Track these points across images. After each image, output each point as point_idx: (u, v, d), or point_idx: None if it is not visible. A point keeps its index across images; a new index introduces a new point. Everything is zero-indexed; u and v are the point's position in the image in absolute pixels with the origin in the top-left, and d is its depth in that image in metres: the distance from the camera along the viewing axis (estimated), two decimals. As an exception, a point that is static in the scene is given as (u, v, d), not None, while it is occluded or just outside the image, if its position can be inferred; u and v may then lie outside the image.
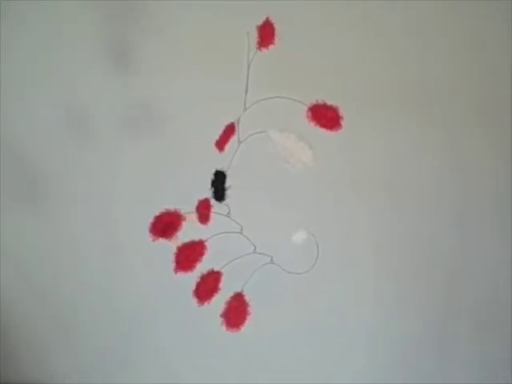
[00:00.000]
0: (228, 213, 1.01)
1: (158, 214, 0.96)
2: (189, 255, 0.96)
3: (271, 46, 0.96)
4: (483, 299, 1.41)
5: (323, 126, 0.96)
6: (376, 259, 1.37)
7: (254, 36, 0.96)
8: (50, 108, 1.27)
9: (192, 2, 1.25)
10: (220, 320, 0.97)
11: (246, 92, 0.97)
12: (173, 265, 0.96)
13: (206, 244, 0.98)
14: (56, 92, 1.27)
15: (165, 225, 0.95)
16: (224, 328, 0.97)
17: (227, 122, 0.99)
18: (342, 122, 0.97)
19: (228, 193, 0.98)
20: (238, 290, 0.99)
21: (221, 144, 0.96)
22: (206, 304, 0.96)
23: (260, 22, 0.96)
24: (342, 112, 0.97)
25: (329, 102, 0.97)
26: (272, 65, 1.22)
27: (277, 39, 0.96)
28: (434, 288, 1.39)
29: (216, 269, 0.97)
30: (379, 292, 1.38)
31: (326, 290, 1.36)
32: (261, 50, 0.95)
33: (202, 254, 0.97)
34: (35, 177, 1.27)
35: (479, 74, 1.36)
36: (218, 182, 0.97)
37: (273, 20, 0.96)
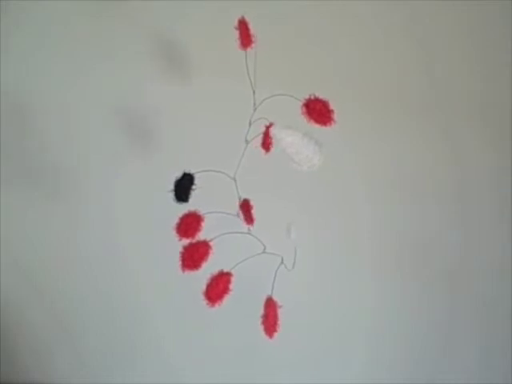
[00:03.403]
0: (238, 213, 1.02)
1: (181, 215, 0.97)
2: (192, 255, 0.96)
3: (253, 45, 0.94)
4: (483, 299, 1.41)
5: (316, 121, 0.93)
6: (376, 259, 1.37)
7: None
8: (49, 108, 1.27)
9: (193, 3, 1.25)
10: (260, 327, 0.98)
11: (254, 92, 0.97)
12: (179, 263, 0.96)
13: (211, 244, 0.97)
14: (55, 92, 1.26)
15: (186, 225, 0.97)
16: (265, 336, 0.98)
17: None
18: (334, 116, 0.93)
19: (192, 194, 0.98)
20: (268, 293, 0.99)
21: (266, 146, 0.97)
22: (217, 305, 0.95)
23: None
24: (333, 105, 0.93)
25: (321, 96, 0.93)
26: (273, 66, 1.23)
27: (254, 38, 0.94)
28: (433, 288, 1.40)
29: (226, 270, 0.97)
30: (379, 292, 1.38)
31: (326, 290, 1.36)
32: (245, 50, 0.95)
33: (206, 253, 0.97)
34: (35, 177, 1.27)
35: (479, 74, 1.37)
36: (180, 184, 0.98)
37: (247, 19, 0.94)
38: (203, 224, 0.98)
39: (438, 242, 1.39)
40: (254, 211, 1.02)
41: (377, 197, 1.36)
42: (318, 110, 0.93)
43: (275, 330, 0.98)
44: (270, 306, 0.98)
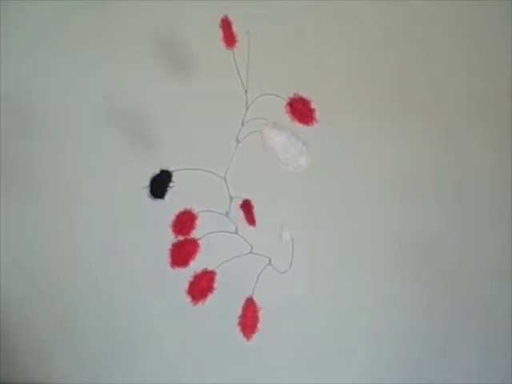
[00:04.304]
0: (227, 213, 1.02)
1: (176, 213, 0.98)
2: (180, 252, 0.97)
3: (237, 44, 0.94)
4: (483, 299, 1.41)
5: (298, 120, 0.92)
6: (376, 259, 1.37)
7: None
8: (49, 108, 1.27)
9: (193, 3, 1.25)
10: (237, 328, 0.97)
11: (246, 91, 0.97)
12: (168, 260, 0.97)
13: (199, 242, 0.98)
14: (55, 92, 1.26)
15: (181, 223, 0.97)
16: (243, 337, 0.97)
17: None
18: (316, 116, 0.92)
19: (169, 192, 0.98)
20: (249, 294, 0.99)
21: None
22: (200, 304, 0.95)
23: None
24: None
25: (307, 96, 0.93)
26: (273, 66, 1.23)
27: (238, 37, 0.94)
28: (433, 288, 1.39)
29: (210, 268, 0.97)
30: (379, 292, 1.38)
31: (326, 290, 1.36)
32: (231, 50, 0.94)
33: (194, 251, 0.97)
34: (35, 177, 1.27)
35: (479, 74, 1.37)
36: (157, 180, 0.97)
37: (230, 18, 0.94)
38: (197, 222, 0.98)
39: (438, 242, 1.39)
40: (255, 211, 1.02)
41: (377, 197, 1.36)
42: (299, 110, 0.92)
43: (253, 332, 0.96)
44: (249, 306, 0.98)
